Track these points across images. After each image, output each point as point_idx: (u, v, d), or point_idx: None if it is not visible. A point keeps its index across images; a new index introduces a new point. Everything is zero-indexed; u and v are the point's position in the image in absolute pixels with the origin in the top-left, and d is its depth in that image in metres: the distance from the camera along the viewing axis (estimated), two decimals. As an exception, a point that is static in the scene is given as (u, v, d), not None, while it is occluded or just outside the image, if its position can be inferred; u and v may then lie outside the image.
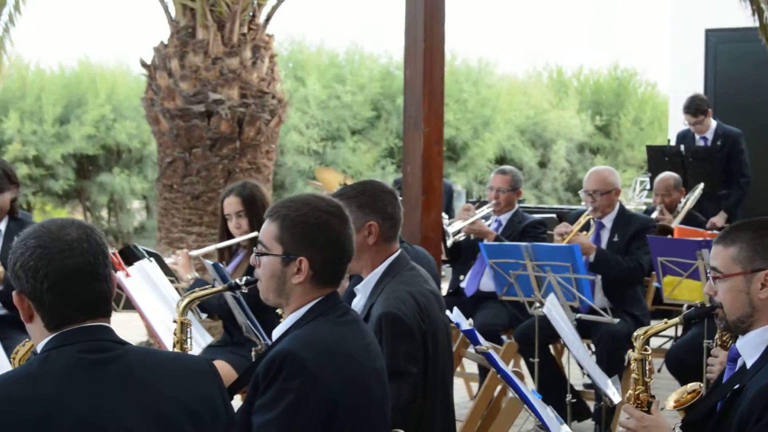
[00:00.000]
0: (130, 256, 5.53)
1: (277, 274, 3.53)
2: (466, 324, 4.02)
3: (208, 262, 5.67)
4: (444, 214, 8.20)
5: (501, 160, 19.09)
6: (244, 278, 3.92)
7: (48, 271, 2.76)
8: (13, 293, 2.84)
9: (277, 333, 3.59)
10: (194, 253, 6.67)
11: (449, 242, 8.09)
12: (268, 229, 3.56)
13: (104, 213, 16.69)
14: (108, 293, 2.88)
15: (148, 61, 9.92)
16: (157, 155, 10.05)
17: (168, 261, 6.38)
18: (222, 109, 9.40)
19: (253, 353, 5.13)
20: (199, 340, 5.23)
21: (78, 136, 14.95)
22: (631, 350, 3.71)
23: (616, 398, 5.37)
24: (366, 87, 18.40)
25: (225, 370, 5.89)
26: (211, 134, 9.44)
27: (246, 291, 4.04)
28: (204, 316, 6.20)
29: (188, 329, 4.10)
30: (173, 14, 9.82)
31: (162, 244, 9.70)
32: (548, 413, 4.04)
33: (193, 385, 2.91)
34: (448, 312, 4.35)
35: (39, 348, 2.83)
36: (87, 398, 2.70)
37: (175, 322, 4.09)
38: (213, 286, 4.30)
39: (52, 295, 2.78)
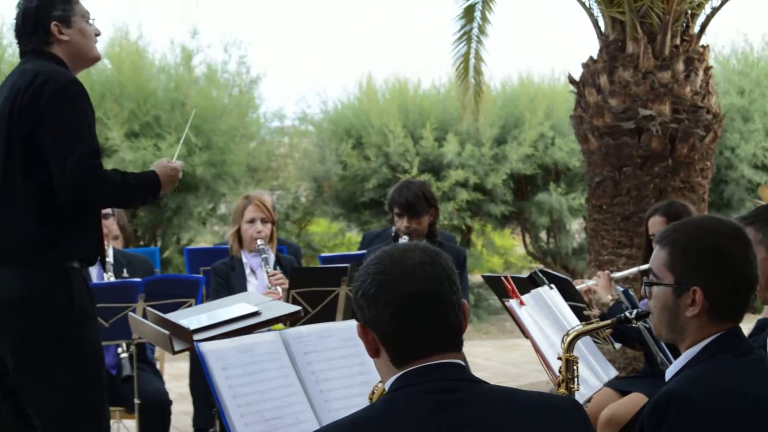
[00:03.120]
0: (533, 283, 5.28)
1: (668, 306, 3.14)
2: None
3: (620, 288, 5.33)
4: None
5: None
6: (635, 311, 3.55)
7: (389, 298, 2.57)
8: (357, 326, 2.67)
9: (670, 372, 3.21)
10: (617, 275, 6.42)
11: None
12: (658, 256, 3.18)
13: (543, 234, 16.59)
14: (457, 323, 2.63)
15: (576, 77, 9.71)
16: (586, 175, 9.82)
17: (582, 285, 6.10)
18: (653, 125, 9.03)
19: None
20: (601, 374, 4.87)
21: (515, 157, 14.90)
22: None
23: None
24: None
25: (642, 402, 5.56)
26: (641, 152, 9.11)
27: (637, 325, 3.66)
28: (618, 346, 5.85)
29: (574, 367, 3.76)
30: (602, 28, 9.56)
31: (591, 267, 9.45)
32: None
33: (555, 428, 2.60)
34: None
35: (386, 387, 2.65)
36: None
37: (559, 359, 3.77)
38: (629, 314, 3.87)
39: (394, 325, 2.58)
